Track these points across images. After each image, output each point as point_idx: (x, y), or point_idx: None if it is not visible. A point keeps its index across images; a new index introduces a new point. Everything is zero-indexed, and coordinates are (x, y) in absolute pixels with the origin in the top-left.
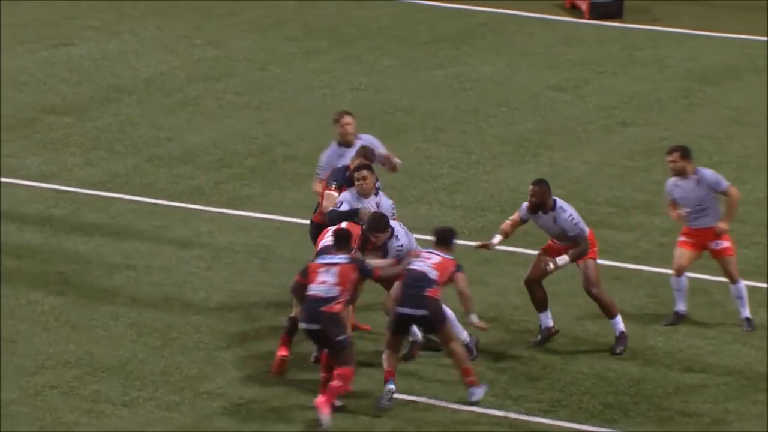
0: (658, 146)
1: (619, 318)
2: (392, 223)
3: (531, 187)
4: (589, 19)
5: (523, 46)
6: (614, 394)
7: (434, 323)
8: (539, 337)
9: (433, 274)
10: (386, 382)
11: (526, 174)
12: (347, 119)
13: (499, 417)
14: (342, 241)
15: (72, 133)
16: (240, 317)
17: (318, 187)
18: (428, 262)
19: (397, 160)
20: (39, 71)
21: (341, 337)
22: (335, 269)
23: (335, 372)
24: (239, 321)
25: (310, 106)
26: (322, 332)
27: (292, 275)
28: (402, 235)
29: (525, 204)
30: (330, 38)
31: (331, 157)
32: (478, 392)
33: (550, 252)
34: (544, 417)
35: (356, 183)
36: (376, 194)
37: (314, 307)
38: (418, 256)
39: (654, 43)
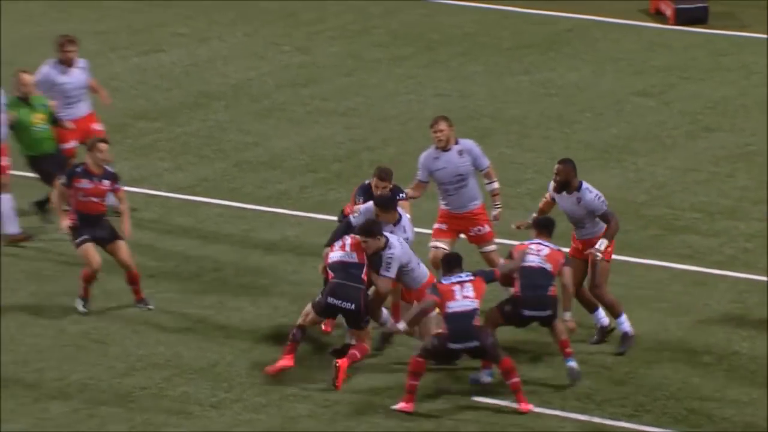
0: (743, 152)
1: (623, 317)
2: (389, 235)
3: (556, 166)
4: (674, 24)
5: (608, 52)
6: (699, 400)
7: (553, 318)
8: (595, 336)
9: (549, 267)
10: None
11: (610, 179)
12: (439, 125)
13: (582, 421)
14: (455, 263)
15: (162, 138)
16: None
17: (411, 189)
18: (541, 254)
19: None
20: (130, 77)
21: (490, 341)
22: (469, 285)
23: (505, 370)
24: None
25: (396, 112)
26: (480, 347)
27: None
28: (397, 247)
29: (552, 183)
30: (415, 44)
31: (427, 159)
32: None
33: (577, 254)
34: (627, 421)
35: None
36: (400, 219)
37: (466, 324)
38: (524, 249)
39: (739, 48)
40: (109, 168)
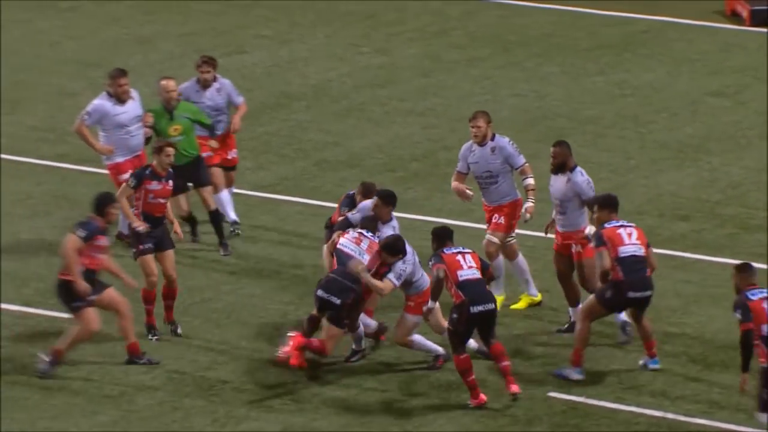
0: None
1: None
2: (408, 247)
3: (552, 149)
4: (749, 25)
5: (683, 53)
6: None
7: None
8: (566, 326)
9: (642, 251)
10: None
11: (685, 179)
12: (477, 121)
13: (657, 417)
14: (447, 236)
15: (244, 137)
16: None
17: (454, 180)
18: (632, 237)
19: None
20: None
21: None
22: (470, 255)
23: (497, 354)
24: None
25: (472, 112)
26: (492, 311)
27: None
28: (410, 261)
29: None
30: (492, 46)
31: (465, 152)
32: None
33: (562, 250)
34: (702, 418)
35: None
36: (391, 219)
37: (482, 289)
38: (615, 236)
39: None
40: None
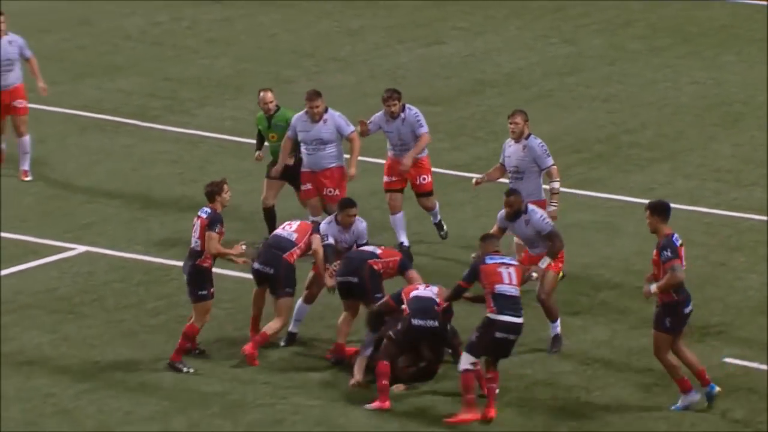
0: None
1: (558, 323)
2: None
3: (506, 198)
4: None
5: None
6: None
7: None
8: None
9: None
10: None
11: None
12: (515, 118)
13: None
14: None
15: (442, 121)
16: (587, 287)
17: (493, 171)
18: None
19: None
20: (414, 67)
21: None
22: (513, 269)
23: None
24: (586, 290)
25: (653, 98)
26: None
27: (634, 250)
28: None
29: (501, 213)
30: (673, 36)
31: (504, 146)
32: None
33: (525, 262)
34: None
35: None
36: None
37: (515, 303)
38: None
39: None
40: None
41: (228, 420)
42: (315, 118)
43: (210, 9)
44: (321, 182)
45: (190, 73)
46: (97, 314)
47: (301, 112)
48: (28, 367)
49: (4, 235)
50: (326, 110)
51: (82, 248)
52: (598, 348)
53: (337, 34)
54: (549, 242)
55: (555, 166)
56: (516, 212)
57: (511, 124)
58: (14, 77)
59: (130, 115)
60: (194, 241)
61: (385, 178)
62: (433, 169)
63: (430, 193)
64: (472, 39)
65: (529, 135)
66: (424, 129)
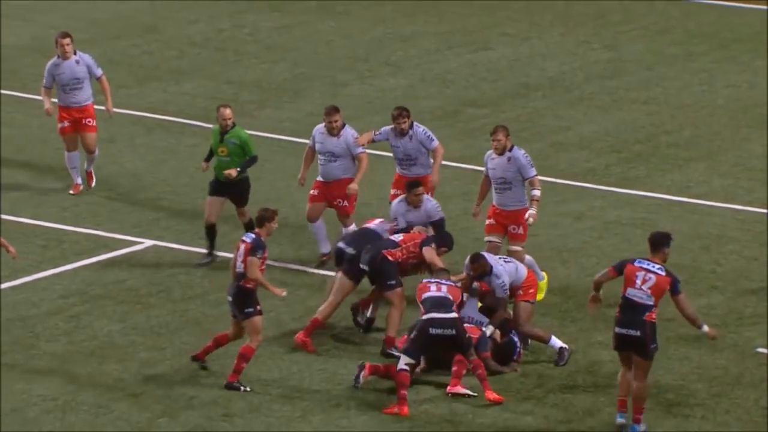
0: None
1: (553, 340)
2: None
3: (470, 264)
4: None
5: None
6: None
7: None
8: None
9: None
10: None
11: None
12: (498, 135)
13: None
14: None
15: (488, 122)
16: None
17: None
18: (645, 287)
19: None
20: (463, 71)
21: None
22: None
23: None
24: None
25: (690, 101)
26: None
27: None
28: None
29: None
30: (709, 42)
31: (486, 157)
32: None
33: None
34: None
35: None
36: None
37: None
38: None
39: None
40: None
41: (286, 404)
42: (333, 132)
43: (270, 17)
44: (331, 192)
45: (250, 77)
46: (164, 304)
47: (321, 125)
48: (100, 353)
49: (78, 229)
50: (344, 126)
51: (149, 242)
52: None
53: (390, 40)
54: (493, 314)
55: (537, 177)
56: (481, 275)
57: (494, 141)
58: (84, 96)
59: (194, 116)
60: (238, 265)
61: (392, 191)
62: (478, 169)
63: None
64: (517, 45)
65: (512, 147)
66: (436, 143)
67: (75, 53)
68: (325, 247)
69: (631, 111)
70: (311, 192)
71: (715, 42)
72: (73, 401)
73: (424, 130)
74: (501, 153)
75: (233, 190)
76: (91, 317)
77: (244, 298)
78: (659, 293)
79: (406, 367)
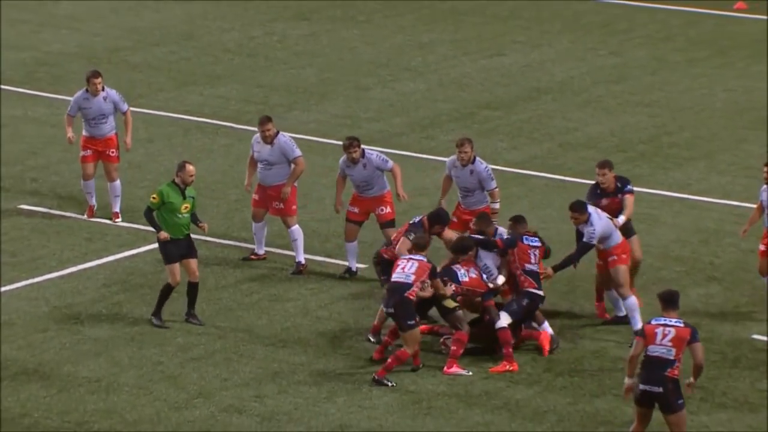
0: None
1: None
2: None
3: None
4: None
5: None
6: None
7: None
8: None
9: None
10: None
11: None
12: (464, 147)
13: None
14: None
15: (501, 124)
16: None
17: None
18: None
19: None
20: (478, 76)
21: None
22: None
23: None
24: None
25: (691, 104)
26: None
27: (672, 239)
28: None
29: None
30: (709, 49)
31: (450, 165)
32: None
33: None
34: None
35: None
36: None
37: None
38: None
39: None
40: None
41: (313, 387)
42: (267, 140)
43: (298, 25)
44: (270, 196)
45: (279, 82)
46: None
47: (258, 134)
48: (140, 338)
49: (120, 224)
50: (277, 134)
51: None
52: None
53: (410, 46)
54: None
55: (497, 189)
56: (468, 159)
57: (461, 153)
58: (108, 128)
59: (228, 118)
60: (407, 275)
61: (349, 208)
62: (492, 167)
63: (390, 224)
64: (529, 51)
65: (474, 159)
66: (391, 164)
67: (103, 89)
68: (260, 249)
69: (635, 113)
70: (253, 196)
71: (715, 49)
72: (115, 383)
73: (378, 155)
74: (465, 164)
75: (187, 244)
76: (131, 305)
77: (410, 309)
78: (680, 344)
79: (506, 325)
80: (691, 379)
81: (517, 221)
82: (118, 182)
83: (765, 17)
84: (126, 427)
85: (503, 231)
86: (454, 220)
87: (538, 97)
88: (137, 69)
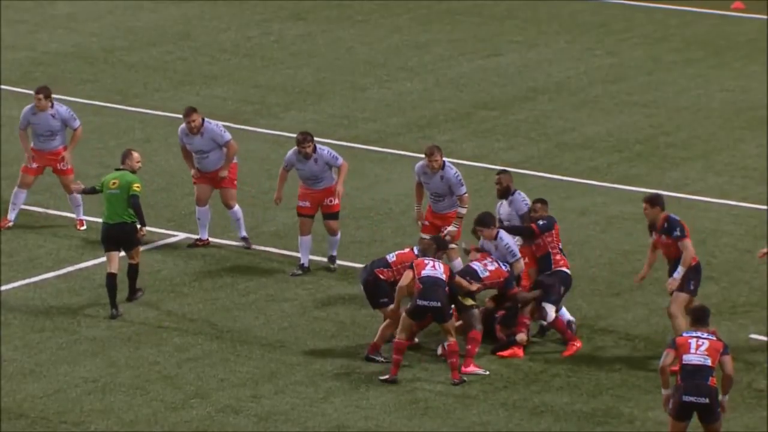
0: None
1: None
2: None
3: (428, 155)
4: None
5: None
6: None
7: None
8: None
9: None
10: None
11: None
12: (435, 156)
13: None
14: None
15: (498, 124)
16: (627, 270)
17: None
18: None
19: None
20: (474, 76)
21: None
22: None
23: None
24: (627, 273)
25: (687, 104)
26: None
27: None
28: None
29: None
30: (705, 49)
31: (419, 170)
32: None
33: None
34: None
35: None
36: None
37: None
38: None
39: None
40: None
41: (310, 387)
42: (193, 131)
43: (295, 25)
44: (212, 179)
45: (276, 81)
46: (196, 293)
47: (183, 125)
48: (137, 338)
49: None
50: (203, 122)
51: (182, 235)
52: (637, 325)
53: (407, 46)
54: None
55: (467, 194)
56: (438, 167)
57: (432, 161)
58: (57, 143)
59: (225, 118)
60: (439, 272)
61: (300, 203)
62: (489, 167)
63: (336, 216)
64: (525, 51)
65: (444, 165)
66: (341, 160)
67: (52, 106)
68: (204, 234)
69: (632, 113)
70: (194, 183)
71: (711, 49)
72: (112, 383)
73: (329, 151)
74: (435, 171)
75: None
76: (128, 304)
77: (448, 302)
78: (715, 354)
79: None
80: (725, 397)
81: (545, 203)
82: (78, 196)
83: (762, 17)
84: (123, 427)
85: (523, 197)
86: (426, 223)
87: (534, 97)
88: (134, 69)
